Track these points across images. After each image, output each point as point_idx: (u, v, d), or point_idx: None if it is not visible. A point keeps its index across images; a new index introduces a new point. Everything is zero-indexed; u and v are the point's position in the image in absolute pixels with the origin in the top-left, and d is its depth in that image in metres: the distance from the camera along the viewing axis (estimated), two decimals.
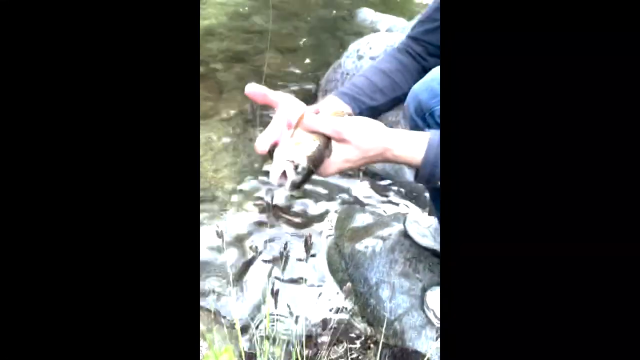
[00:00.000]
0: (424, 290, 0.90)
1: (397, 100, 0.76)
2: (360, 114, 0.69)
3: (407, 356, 0.86)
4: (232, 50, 1.89)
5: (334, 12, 2.42)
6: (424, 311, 0.88)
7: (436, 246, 0.98)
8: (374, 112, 0.72)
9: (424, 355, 0.84)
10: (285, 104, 0.53)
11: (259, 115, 1.40)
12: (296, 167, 0.47)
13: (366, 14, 2.28)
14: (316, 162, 0.49)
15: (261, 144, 0.49)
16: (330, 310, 0.95)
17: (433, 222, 1.01)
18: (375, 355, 0.87)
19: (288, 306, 0.74)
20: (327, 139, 0.50)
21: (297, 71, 1.77)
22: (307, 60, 1.85)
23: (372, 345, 0.92)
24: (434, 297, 0.86)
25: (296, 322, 0.80)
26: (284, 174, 0.47)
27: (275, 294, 0.62)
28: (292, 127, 0.51)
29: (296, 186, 0.48)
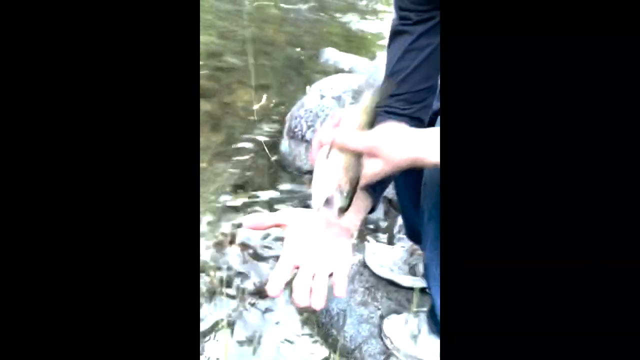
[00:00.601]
0: (382, 318, 0.95)
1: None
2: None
3: None
4: (201, 87, 1.94)
5: (298, 49, 2.54)
6: (381, 339, 0.92)
7: (393, 276, 1.03)
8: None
9: None
10: (292, 222, 0.51)
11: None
12: (342, 192, 0.46)
13: (329, 54, 2.42)
14: (356, 181, 0.48)
15: (274, 288, 0.46)
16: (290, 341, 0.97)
17: (390, 252, 1.07)
18: None
19: (246, 337, 0.76)
20: (359, 155, 0.50)
21: (265, 106, 1.84)
22: (274, 99, 1.93)
23: None
24: (390, 324, 0.91)
25: (254, 353, 0.82)
26: (328, 200, 0.46)
27: (231, 324, 0.63)
28: (324, 146, 0.50)
29: (343, 211, 0.47)
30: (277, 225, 0.52)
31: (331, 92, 1.44)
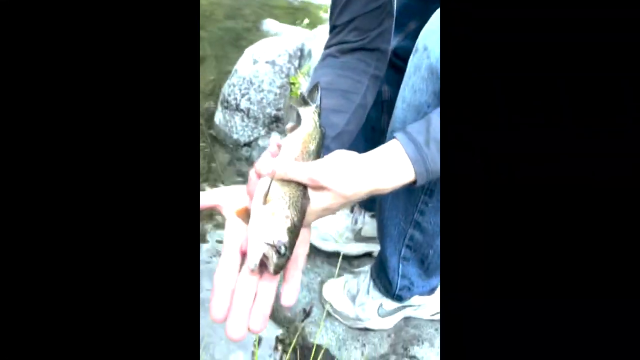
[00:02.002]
0: (322, 283, 0.90)
1: (362, 109, 0.60)
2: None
3: (308, 352, 0.85)
4: None
5: (237, 24, 2.42)
6: (322, 304, 0.88)
7: (338, 247, 0.97)
8: (348, 136, 0.58)
9: (324, 348, 0.84)
10: (229, 203, 0.44)
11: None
12: (278, 249, 0.40)
13: (269, 25, 2.32)
14: (300, 219, 0.42)
15: (218, 312, 0.38)
16: None
17: (332, 223, 1.01)
18: (280, 356, 0.85)
19: None
20: (304, 187, 0.44)
21: (202, 79, 1.73)
22: (211, 73, 1.82)
23: (278, 347, 0.89)
24: (329, 288, 0.87)
25: None
26: (264, 257, 0.40)
27: None
28: (262, 177, 0.43)
29: (281, 268, 0.40)
30: (211, 208, 0.45)
31: (264, 57, 1.36)
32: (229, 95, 1.36)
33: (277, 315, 0.89)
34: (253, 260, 0.40)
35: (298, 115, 0.51)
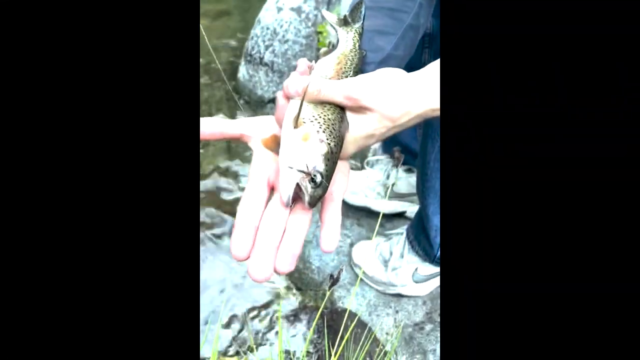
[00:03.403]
0: (352, 246, 0.84)
1: (413, 31, 0.50)
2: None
3: (337, 317, 0.81)
4: None
5: None
6: (352, 268, 0.82)
7: (368, 202, 0.91)
8: (396, 63, 0.48)
9: (355, 314, 0.79)
10: (257, 133, 0.38)
11: None
12: (313, 177, 0.35)
13: None
14: (339, 146, 0.36)
15: (240, 248, 0.33)
16: None
17: (362, 176, 0.94)
18: (307, 320, 0.81)
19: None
20: (341, 110, 0.38)
21: (228, 32, 1.65)
22: (236, 23, 1.73)
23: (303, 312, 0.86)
24: (359, 251, 0.81)
25: None
26: (297, 187, 0.35)
27: None
28: (292, 100, 0.37)
29: (316, 200, 0.35)
30: (236, 138, 0.40)
31: (289, 3, 1.25)
32: (252, 48, 1.27)
33: (302, 277, 0.85)
34: (287, 192, 0.35)
35: (336, 39, 0.45)
